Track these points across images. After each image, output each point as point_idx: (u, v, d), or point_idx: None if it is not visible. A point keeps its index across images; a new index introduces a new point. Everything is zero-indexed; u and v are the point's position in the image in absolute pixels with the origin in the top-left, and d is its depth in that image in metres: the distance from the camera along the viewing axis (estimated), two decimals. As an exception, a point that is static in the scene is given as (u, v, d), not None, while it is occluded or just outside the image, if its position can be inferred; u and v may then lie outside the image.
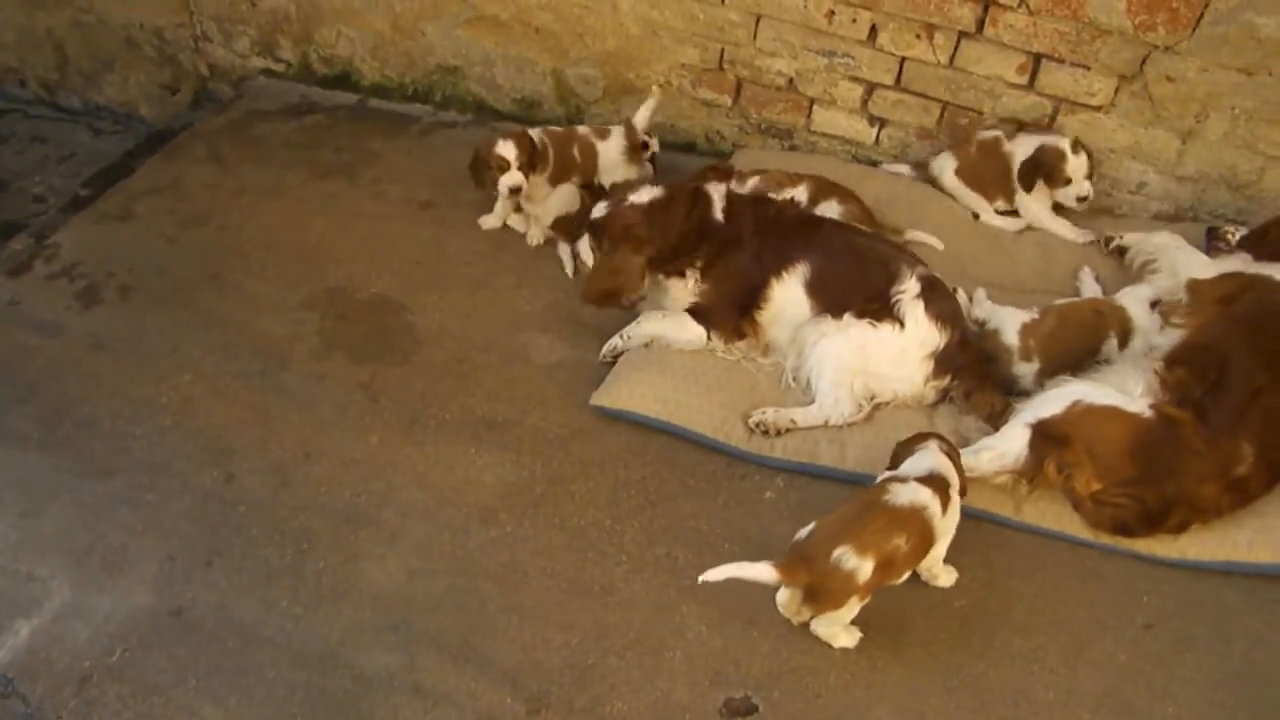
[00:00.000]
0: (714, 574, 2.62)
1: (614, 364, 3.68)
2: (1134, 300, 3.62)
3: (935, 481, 2.81)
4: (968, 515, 3.10)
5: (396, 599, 2.98)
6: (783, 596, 2.81)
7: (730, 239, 3.61)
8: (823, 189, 4.12)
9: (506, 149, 4.04)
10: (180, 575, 3.03)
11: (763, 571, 2.64)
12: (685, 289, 3.67)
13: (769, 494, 3.31)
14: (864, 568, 2.63)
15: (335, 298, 4.02)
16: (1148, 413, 3.07)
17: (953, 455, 2.94)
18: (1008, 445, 3.14)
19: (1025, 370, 3.55)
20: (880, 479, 2.90)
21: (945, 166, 4.43)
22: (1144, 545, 3.13)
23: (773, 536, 3.13)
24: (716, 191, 3.69)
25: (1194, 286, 3.57)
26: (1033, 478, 3.14)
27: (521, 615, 2.94)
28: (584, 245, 3.75)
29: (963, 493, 2.91)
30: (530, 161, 4.09)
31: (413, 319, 3.94)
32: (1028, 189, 4.24)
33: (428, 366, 3.73)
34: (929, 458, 2.89)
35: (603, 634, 2.90)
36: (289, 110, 5.29)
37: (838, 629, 2.83)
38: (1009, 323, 3.62)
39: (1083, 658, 2.90)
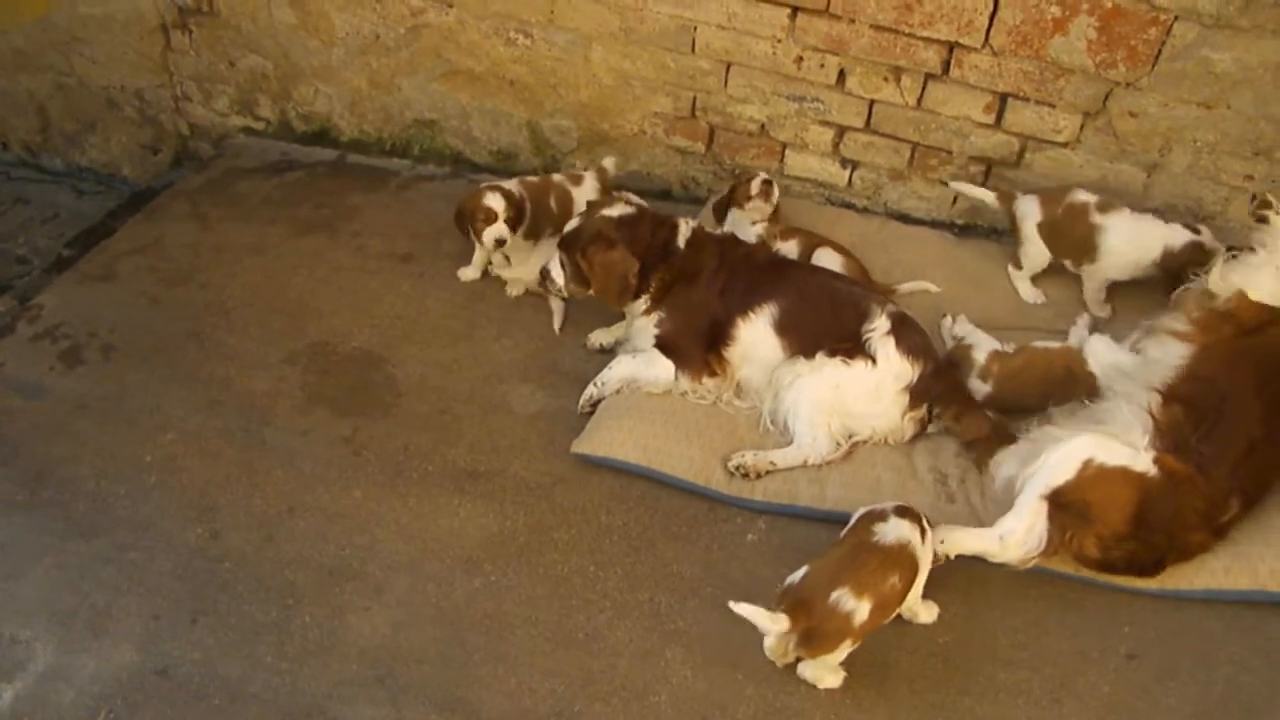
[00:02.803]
0: (742, 609, 2.66)
1: (593, 413, 3.71)
2: (1096, 360, 3.59)
3: (910, 513, 2.88)
4: (949, 551, 3.14)
5: (382, 651, 2.98)
6: (770, 640, 2.83)
7: (689, 270, 3.72)
8: (826, 244, 4.20)
9: (495, 200, 4.06)
10: (165, 633, 3.03)
11: (780, 623, 2.67)
12: (642, 313, 3.79)
13: (751, 536, 3.33)
14: (861, 609, 2.67)
15: (317, 352, 4.05)
16: (1153, 470, 3.00)
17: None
18: (1029, 525, 3.01)
19: (978, 387, 3.63)
20: (858, 515, 2.93)
21: (1029, 214, 4.19)
22: (1124, 577, 3.13)
23: (756, 579, 3.15)
24: (684, 223, 3.81)
25: (1240, 300, 3.43)
26: (1055, 551, 3.06)
27: (507, 664, 2.95)
28: (555, 265, 3.84)
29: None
30: (517, 217, 4.12)
31: (394, 372, 3.96)
32: (1172, 288, 3.84)
33: (410, 419, 3.75)
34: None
35: (588, 681, 2.91)
36: (269, 167, 5.34)
37: (825, 671, 2.85)
38: (984, 345, 3.71)
39: (1067, 690, 2.91)
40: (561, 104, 4.98)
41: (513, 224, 4.10)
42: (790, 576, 2.79)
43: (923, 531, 2.86)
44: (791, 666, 2.89)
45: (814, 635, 2.71)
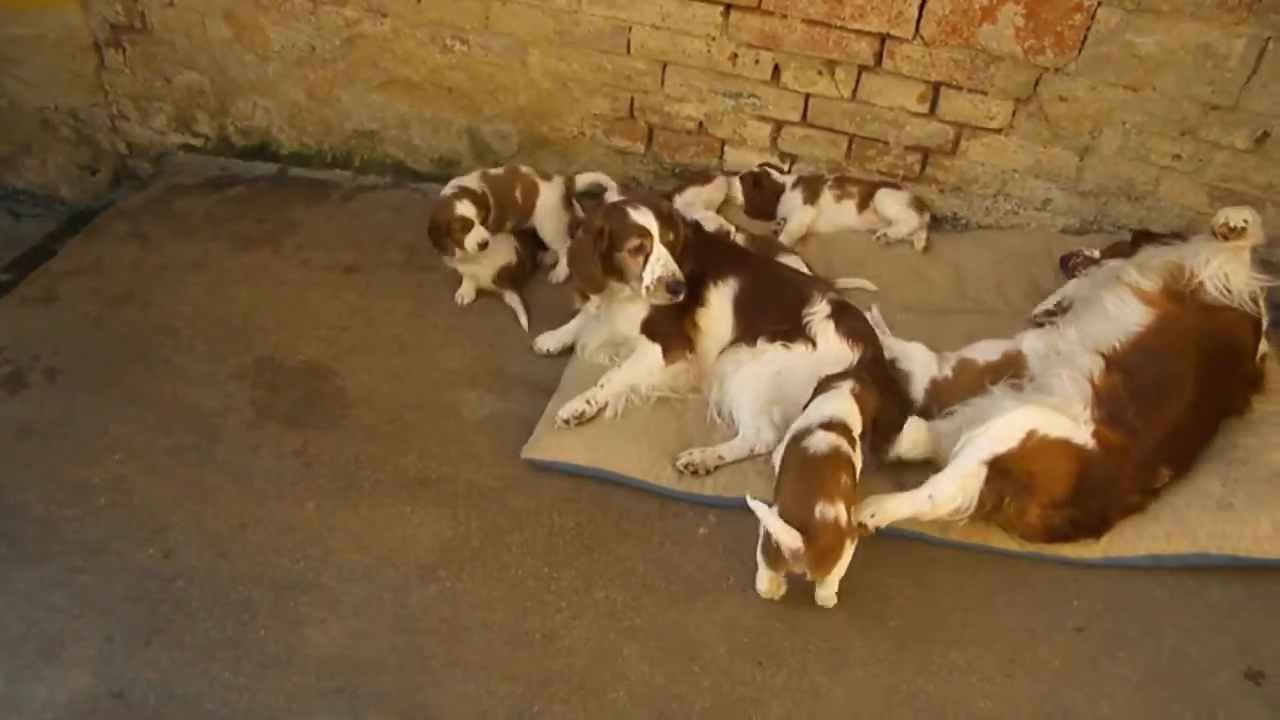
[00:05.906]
0: (759, 509, 2.87)
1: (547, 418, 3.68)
2: (1034, 354, 3.60)
3: (836, 426, 3.04)
4: (897, 536, 3.19)
5: (340, 662, 2.98)
6: (763, 583, 3.02)
7: None
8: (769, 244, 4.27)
9: (466, 208, 4.03)
10: (120, 656, 2.99)
11: (793, 539, 2.81)
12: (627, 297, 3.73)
13: (703, 530, 3.36)
14: (841, 511, 2.85)
15: (265, 367, 4.03)
16: (1091, 443, 3.07)
17: (862, 396, 3.16)
18: (961, 485, 3.04)
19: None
20: (791, 431, 3.13)
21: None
22: (1069, 549, 3.19)
23: (709, 572, 3.19)
24: None
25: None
26: (987, 515, 3.10)
27: (465, 669, 2.95)
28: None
29: (863, 437, 3.12)
30: (487, 215, 4.10)
31: (343, 383, 3.95)
32: None
33: (360, 429, 3.75)
34: (833, 402, 3.13)
35: (546, 682, 2.92)
36: (209, 184, 5.31)
37: (835, 587, 2.99)
38: (919, 374, 3.66)
39: (1018, 665, 2.96)
40: (500, 109, 4.99)
41: (485, 222, 4.08)
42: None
43: (850, 441, 3.03)
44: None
45: (824, 554, 2.86)
